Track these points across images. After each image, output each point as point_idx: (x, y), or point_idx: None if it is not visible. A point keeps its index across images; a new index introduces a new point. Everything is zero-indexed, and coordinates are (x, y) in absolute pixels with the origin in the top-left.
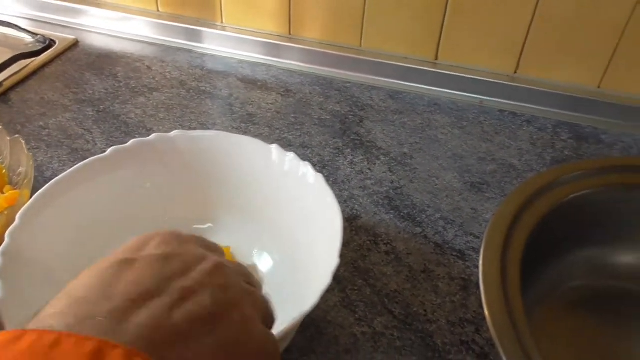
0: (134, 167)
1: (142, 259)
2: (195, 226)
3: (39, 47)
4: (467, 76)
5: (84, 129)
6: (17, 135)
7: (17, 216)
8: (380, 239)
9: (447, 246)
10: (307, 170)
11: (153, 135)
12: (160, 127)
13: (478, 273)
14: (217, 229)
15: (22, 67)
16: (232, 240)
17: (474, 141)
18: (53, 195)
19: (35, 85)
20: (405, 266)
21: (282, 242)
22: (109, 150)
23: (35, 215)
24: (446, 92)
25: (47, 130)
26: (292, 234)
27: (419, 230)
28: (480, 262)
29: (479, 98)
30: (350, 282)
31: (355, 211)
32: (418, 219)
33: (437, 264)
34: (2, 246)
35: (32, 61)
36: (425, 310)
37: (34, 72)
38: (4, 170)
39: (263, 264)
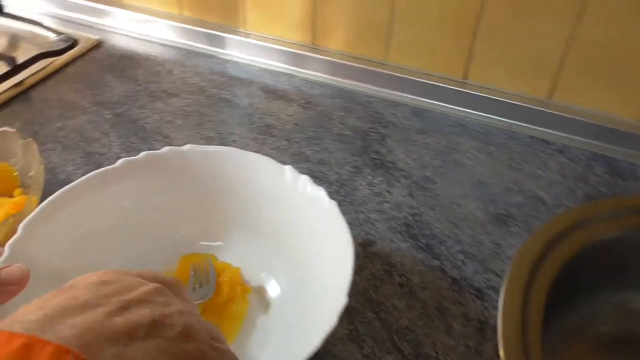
0: (144, 180)
1: (80, 284)
2: (204, 242)
3: (62, 46)
4: (496, 98)
5: (101, 132)
6: (30, 139)
7: (20, 227)
8: (394, 269)
9: (465, 283)
10: (320, 195)
11: (165, 149)
12: (177, 134)
13: (496, 317)
14: (227, 247)
15: (44, 65)
16: (241, 261)
17: (501, 168)
18: (58, 207)
19: (56, 85)
20: (419, 301)
21: (292, 268)
22: (119, 161)
23: (37, 227)
24: (473, 113)
25: (64, 132)
26: (302, 260)
27: (436, 262)
28: (500, 304)
29: (508, 122)
30: (360, 314)
31: (370, 236)
32: (437, 250)
33: (453, 302)
34: (0, 258)
35: (55, 60)
36: (436, 352)
37: (56, 72)
38: (16, 173)
39: (271, 289)
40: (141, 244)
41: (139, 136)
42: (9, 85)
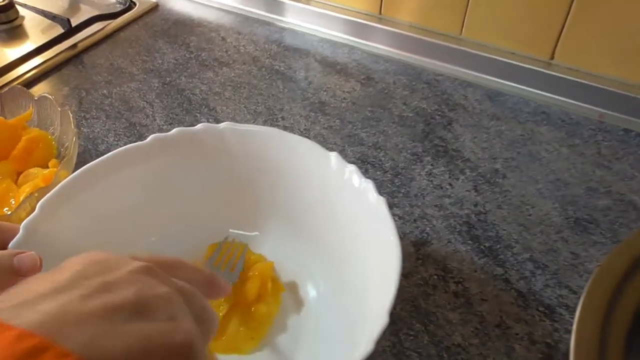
0: (175, 159)
1: (69, 265)
2: (235, 231)
3: (119, 8)
4: (587, 83)
5: (146, 102)
6: (66, 107)
7: (37, 206)
8: (450, 275)
9: (532, 297)
10: (368, 188)
11: (200, 126)
12: (223, 108)
13: (568, 342)
14: (260, 238)
15: (98, 29)
16: (274, 254)
17: (585, 165)
18: (80, 185)
19: (108, 50)
20: (476, 315)
21: (330, 267)
22: (150, 137)
23: (56, 206)
24: (559, 99)
25: (109, 100)
26: (342, 260)
27: (500, 271)
28: (574, 327)
29: (599, 111)
30: (406, 325)
31: (425, 235)
32: (501, 256)
33: (517, 319)
34: (14, 240)
35: (109, 24)
36: None
37: (109, 35)
38: (54, 142)
39: (305, 288)
40: (167, 228)
41: (184, 108)
42: (62, 49)
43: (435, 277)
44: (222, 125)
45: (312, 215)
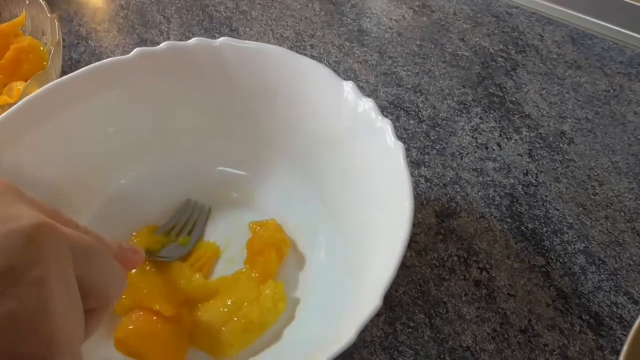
0: (162, 78)
1: None
2: (224, 168)
3: None
4: None
5: (164, 16)
6: (54, 14)
7: None
8: (475, 258)
9: (577, 301)
10: (385, 130)
11: (192, 40)
12: (247, 29)
13: None
14: (253, 178)
15: None
16: (271, 201)
17: None
18: (49, 106)
19: None
20: (497, 313)
21: (335, 220)
22: (134, 51)
23: (22, 131)
24: None
25: (125, 12)
26: (349, 212)
27: (540, 261)
28: (624, 349)
29: None
30: (407, 313)
31: (454, 205)
32: (546, 242)
33: (550, 326)
34: None
35: None
36: None
37: None
38: (47, 54)
39: (307, 240)
40: (146, 161)
41: (203, 26)
42: None
43: (456, 258)
44: (219, 40)
45: (316, 153)
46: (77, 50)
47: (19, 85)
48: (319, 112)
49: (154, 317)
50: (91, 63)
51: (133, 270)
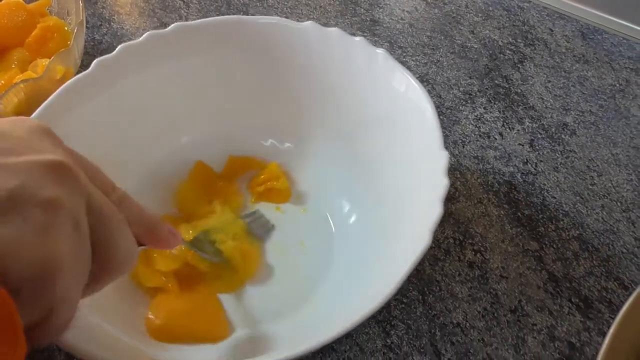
0: (198, 55)
1: None
2: (272, 140)
3: None
4: None
5: (183, 1)
6: None
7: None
8: (470, 241)
9: (567, 285)
10: (420, 99)
11: (229, 17)
12: (262, 15)
13: (599, 346)
14: (295, 150)
15: None
16: (298, 167)
17: None
18: (77, 92)
19: None
20: (489, 293)
21: (368, 187)
22: (172, 26)
23: (65, 108)
24: None
25: None
26: (383, 179)
27: (534, 246)
28: (611, 331)
29: None
30: (401, 290)
31: (453, 189)
32: (541, 228)
33: (539, 307)
34: None
35: None
36: None
37: None
38: (71, 34)
39: (338, 206)
40: (187, 133)
41: (220, 12)
42: None
43: (452, 240)
44: (262, 18)
45: (350, 123)
46: (99, 32)
47: (44, 62)
48: (353, 81)
49: (171, 295)
50: (113, 44)
51: None
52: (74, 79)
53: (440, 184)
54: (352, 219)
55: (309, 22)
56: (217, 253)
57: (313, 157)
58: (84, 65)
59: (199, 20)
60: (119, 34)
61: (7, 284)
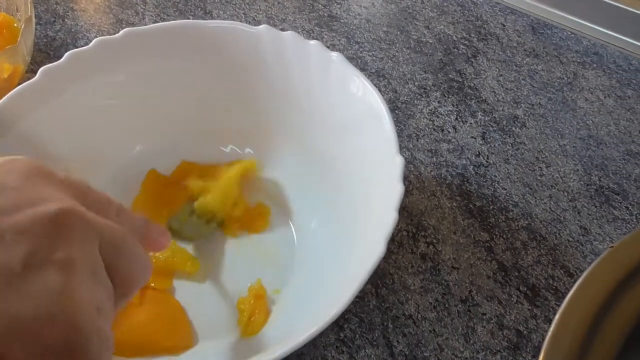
0: (148, 59)
1: None
2: (235, 146)
3: None
4: None
5: None
6: None
7: None
8: (423, 233)
9: (516, 274)
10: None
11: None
12: (220, 12)
13: (545, 334)
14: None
15: None
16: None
17: (632, 124)
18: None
19: None
20: (440, 285)
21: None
22: (122, 32)
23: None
24: (620, 38)
25: None
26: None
27: (484, 236)
28: (557, 317)
29: None
30: None
31: (407, 183)
32: (491, 219)
33: (489, 297)
34: None
35: None
36: None
37: None
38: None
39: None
40: (141, 140)
41: (178, 8)
42: None
43: (405, 233)
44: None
45: (314, 128)
46: (53, 28)
47: None
48: (309, 84)
49: (132, 306)
50: (66, 41)
51: None
52: (16, 89)
53: (395, 191)
54: (313, 224)
55: (263, 26)
56: (202, 224)
57: (273, 162)
58: (35, 63)
59: (150, 26)
60: (73, 30)
61: None
